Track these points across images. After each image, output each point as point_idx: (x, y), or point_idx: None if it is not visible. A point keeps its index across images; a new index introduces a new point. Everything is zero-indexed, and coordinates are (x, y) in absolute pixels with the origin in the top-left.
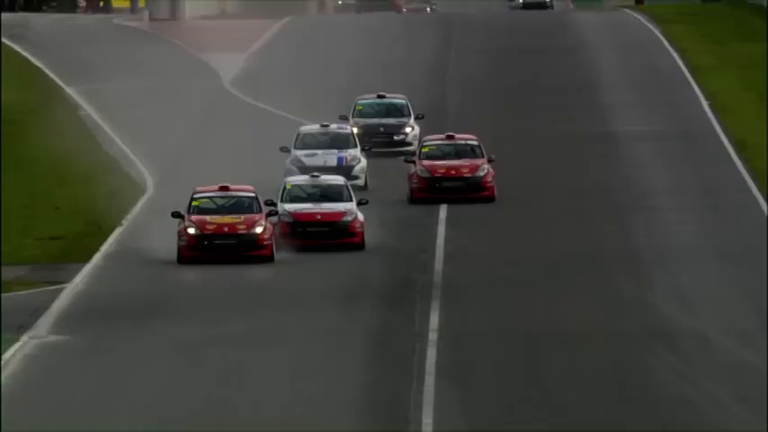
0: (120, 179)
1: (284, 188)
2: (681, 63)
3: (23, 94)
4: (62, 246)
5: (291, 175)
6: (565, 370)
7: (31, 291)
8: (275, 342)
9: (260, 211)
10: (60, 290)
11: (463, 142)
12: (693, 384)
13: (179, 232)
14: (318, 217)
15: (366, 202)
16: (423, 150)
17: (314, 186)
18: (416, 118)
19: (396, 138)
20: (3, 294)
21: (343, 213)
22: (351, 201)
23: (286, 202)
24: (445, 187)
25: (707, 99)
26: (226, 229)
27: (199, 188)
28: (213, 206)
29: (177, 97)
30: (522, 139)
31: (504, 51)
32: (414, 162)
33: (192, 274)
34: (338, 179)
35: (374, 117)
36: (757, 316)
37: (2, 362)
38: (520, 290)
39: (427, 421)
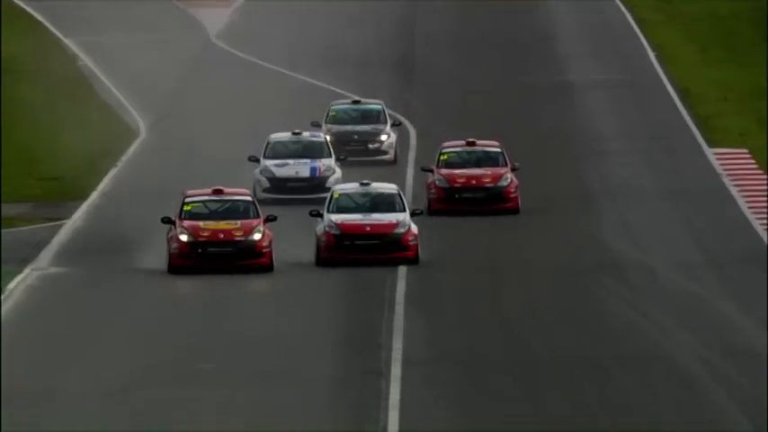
0: (115, 124)
1: (331, 197)
2: (629, 17)
3: (25, 45)
4: (61, 185)
5: (260, 185)
6: (523, 300)
7: (33, 227)
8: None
9: (257, 215)
10: (60, 226)
11: (485, 149)
12: (642, 313)
13: (169, 239)
14: (368, 228)
15: (420, 213)
16: (441, 158)
17: (363, 195)
18: (393, 125)
19: (371, 146)
20: (6, 230)
21: (395, 225)
22: (404, 211)
23: (333, 212)
24: (465, 198)
25: (653, 50)
26: (221, 236)
27: (190, 191)
28: (206, 211)
29: (167, 49)
30: (486, 89)
31: (468, 8)
32: (431, 171)
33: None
34: (391, 187)
35: (348, 124)
36: (700, 250)
37: (5, 293)
38: (483, 227)
39: (397, 347)
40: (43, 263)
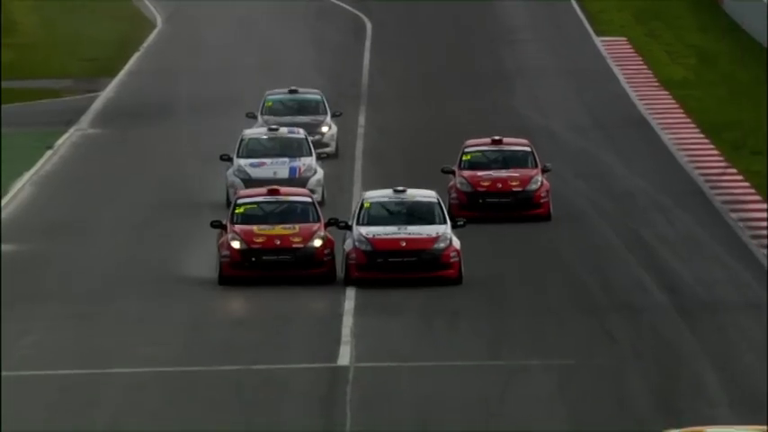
0: (138, 17)
1: (361, 206)
2: None
3: None
4: (97, 65)
5: (234, 187)
6: (451, 153)
7: (75, 97)
8: None
9: (318, 219)
10: (96, 97)
11: (513, 148)
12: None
13: (220, 245)
14: (403, 244)
15: (463, 225)
16: (464, 158)
17: (398, 204)
18: (333, 115)
19: (311, 138)
20: (54, 99)
21: (435, 239)
22: (444, 222)
23: (363, 224)
24: (490, 203)
25: None
26: (277, 243)
27: (242, 191)
28: (260, 213)
29: None
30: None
31: None
32: (453, 172)
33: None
34: (429, 194)
35: (286, 115)
36: (589, 116)
37: (55, 148)
38: (423, 98)
39: (357, 187)
40: (83, 125)
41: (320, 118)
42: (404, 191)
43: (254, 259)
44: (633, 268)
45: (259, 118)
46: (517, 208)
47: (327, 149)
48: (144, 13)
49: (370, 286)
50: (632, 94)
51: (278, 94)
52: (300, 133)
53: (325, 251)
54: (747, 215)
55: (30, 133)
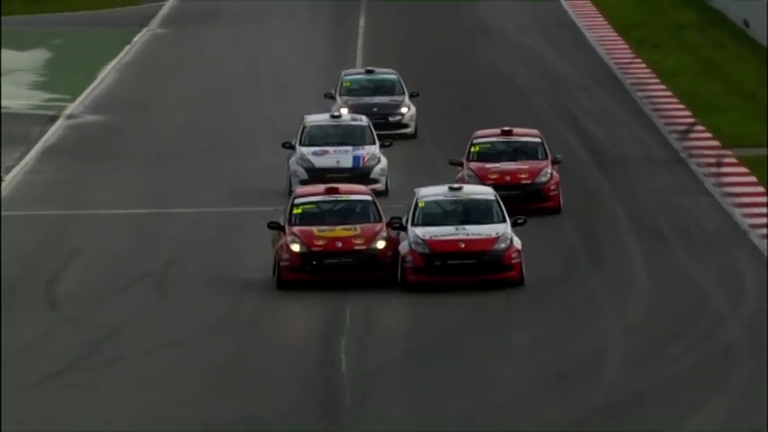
0: None
1: (415, 206)
2: None
3: None
4: None
5: (297, 177)
6: (431, 54)
7: (146, 6)
8: None
9: (379, 219)
10: (162, 5)
11: (522, 139)
12: (500, 58)
13: (279, 248)
14: (462, 245)
15: (524, 222)
16: (472, 150)
17: (454, 202)
18: (411, 96)
19: (391, 119)
20: (129, 8)
21: (495, 239)
22: (503, 221)
23: (419, 224)
24: (499, 196)
25: None
26: (339, 245)
27: (299, 190)
28: (319, 213)
29: None
30: None
31: None
32: (461, 164)
33: None
34: (486, 192)
35: (364, 95)
36: (536, 25)
37: (132, 43)
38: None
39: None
40: (153, 26)
41: (399, 98)
42: (459, 188)
43: (314, 263)
44: (564, 133)
45: (337, 98)
46: (526, 201)
47: (407, 130)
48: None
49: (428, 291)
50: (565, 5)
51: (355, 74)
52: (363, 120)
53: (389, 253)
54: (649, 93)
55: (114, 32)
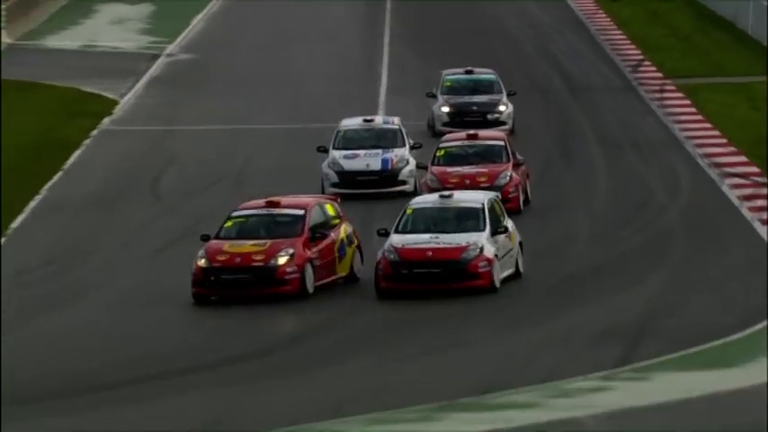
0: None
1: (404, 213)
2: None
3: None
4: None
5: (329, 180)
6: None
7: None
8: None
9: (301, 233)
10: None
11: (486, 143)
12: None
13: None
14: (429, 254)
15: (504, 231)
16: (437, 154)
17: (442, 210)
18: (509, 95)
19: (490, 117)
20: None
21: (464, 248)
22: (484, 229)
23: (402, 231)
24: None
25: None
26: (237, 260)
27: (245, 204)
28: (249, 227)
29: None
30: None
31: None
32: (426, 168)
33: None
34: (476, 199)
35: (464, 94)
36: None
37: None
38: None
39: None
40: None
41: (497, 97)
42: (450, 196)
43: (213, 278)
44: (544, 67)
45: (439, 97)
46: None
47: (506, 127)
48: None
49: (399, 298)
50: None
51: (456, 74)
52: (395, 123)
53: (289, 269)
54: (609, 37)
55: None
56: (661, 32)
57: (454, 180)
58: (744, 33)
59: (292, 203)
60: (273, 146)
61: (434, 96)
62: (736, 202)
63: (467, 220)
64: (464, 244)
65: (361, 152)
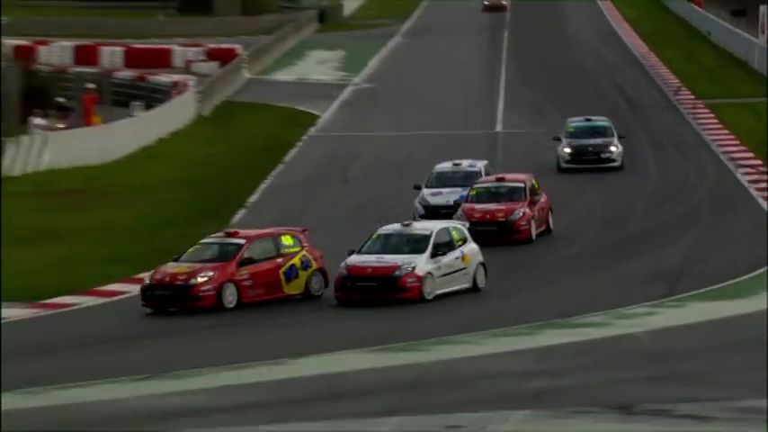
0: None
1: (370, 237)
2: None
3: None
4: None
5: (417, 212)
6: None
7: (391, 27)
8: None
9: (232, 259)
10: (402, 25)
11: (509, 184)
12: None
13: None
14: (369, 271)
15: (444, 254)
16: (471, 193)
17: (399, 236)
18: (619, 138)
19: (602, 155)
20: (386, 28)
21: (396, 267)
22: (423, 252)
23: (360, 252)
24: (480, 231)
25: None
26: (167, 279)
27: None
28: (202, 251)
29: None
30: None
31: None
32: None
33: None
34: (428, 229)
35: (583, 138)
36: None
37: (386, 46)
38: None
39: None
40: (398, 37)
41: (609, 140)
42: (409, 224)
43: (148, 293)
44: (613, 93)
45: (563, 140)
46: (500, 234)
47: (614, 164)
48: None
49: (349, 305)
50: (609, 19)
51: (578, 122)
52: (477, 166)
53: (204, 287)
54: (658, 71)
55: (377, 41)
56: (694, 67)
57: (477, 215)
58: (751, 68)
59: (242, 234)
60: (424, 146)
61: (559, 140)
62: (745, 184)
63: (417, 244)
64: (398, 263)
65: (445, 190)
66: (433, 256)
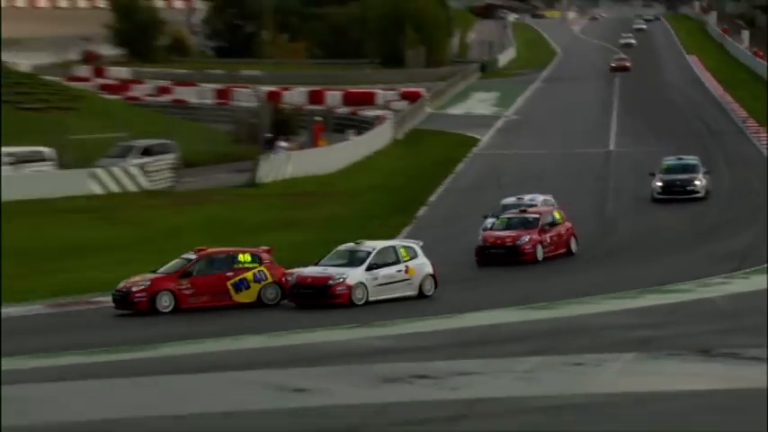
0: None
1: (330, 252)
2: None
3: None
4: (542, 64)
5: (478, 237)
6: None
7: (529, 75)
8: None
9: (177, 272)
10: (541, 73)
11: (528, 216)
12: None
13: None
14: (309, 280)
15: (377, 267)
16: (496, 222)
17: (351, 253)
18: (705, 173)
19: (688, 188)
20: (525, 76)
21: (328, 278)
22: (361, 265)
23: (320, 264)
24: (492, 253)
25: None
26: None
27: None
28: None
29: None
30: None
31: None
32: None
33: None
34: (370, 247)
35: (674, 173)
36: None
37: (528, 89)
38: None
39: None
40: (538, 82)
41: (695, 175)
42: (360, 242)
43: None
44: (697, 123)
45: (657, 175)
46: (507, 257)
47: (698, 195)
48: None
49: (299, 308)
50: (695, 69)
51: (671, 160)
52: (537, 200)
53: (138, 294)
54: (732, 107)
55: (522, 85)
56: (759, 105)
57: (491, 240)
58: None
59: (203, 253)
60: (556, 161)
61: (654, 175)
62: None
63: (359, 258)
64: (333, 274)
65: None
66: (369, 269)
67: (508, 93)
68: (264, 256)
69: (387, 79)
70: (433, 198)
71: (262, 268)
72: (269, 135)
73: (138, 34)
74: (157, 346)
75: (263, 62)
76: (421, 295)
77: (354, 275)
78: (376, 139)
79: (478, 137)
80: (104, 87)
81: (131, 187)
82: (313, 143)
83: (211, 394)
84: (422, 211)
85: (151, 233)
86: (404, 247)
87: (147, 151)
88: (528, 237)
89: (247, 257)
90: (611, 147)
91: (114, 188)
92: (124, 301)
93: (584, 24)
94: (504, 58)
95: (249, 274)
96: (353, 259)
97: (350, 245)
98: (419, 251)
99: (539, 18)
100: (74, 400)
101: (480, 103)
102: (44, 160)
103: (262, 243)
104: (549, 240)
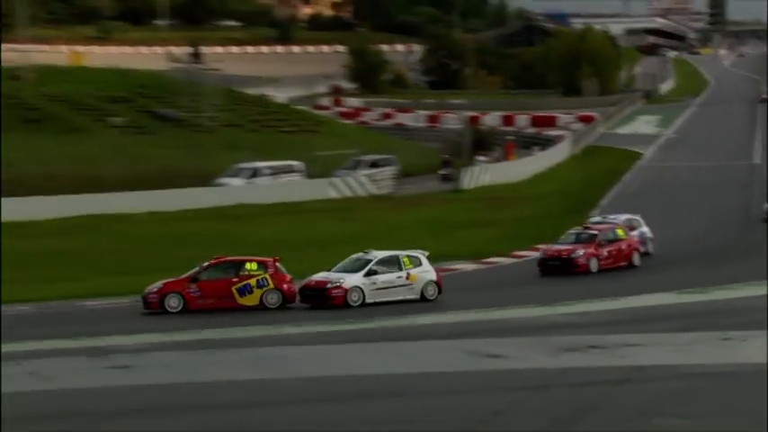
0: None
1: (347, 260)
2: None
3: None
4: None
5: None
6: None
7: (677, 104)
8: None
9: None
10: (695, 100)
11: (586, 232)
12: None
13: None
14: (312, 283)
15: (374, 273)
16: (560, 238)
17: (359, 260)
18: None
19: None
20: (681, 102)
21: (326, 281)
22: (359, 272)
23: (333, 270)
24: (550, 264)
25: None
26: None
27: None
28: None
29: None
30: None
31: None
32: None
33: None
34: (374, 256)
35: None
36: None
37: (684, 113)
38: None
39: None
40: (693, 107)
41: None
42: (368, 252)
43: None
44: None
45: (765, 204)
46: (562, 268)
47: None
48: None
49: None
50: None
51: None
52: (618, 219)
53: (151, 296)
54: None
55: (677, 110)
56: None
57: (550, 253)
58: None
59: (215, 261)
60: (707, 172)
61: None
62: None
63: (362, 265)
64: (330, 278)
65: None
66: (368, 275)
67: (668, 116)
68: (271, 264)
69: (566, 105)
70: (603, 202)
71: (266, 275)
72: (446, 156)
73: (368, 71)
74: (374, 320)
75: (467, 92)
76: (423, 299)
77: (351, 280)
78: (556, 154)
79: (642, 152)
80: (341, 114)
81: (361, 193)
82: (505, 157)
83: (421, 358)
84: (594, 212)
85: (377, 229)
86: (408, 256)
87: (374, 164)
88: (582, 251)
89: (254, 266)
90: (756, 160)
91: (348, 193)
92: (144, 301)
93: (733, 59)
94: (665, 87)
95: (253, 281)
96: (357, 266)
97: (359, 254)
98: (424, 260)
99: (694, 54)
100: (336, 359)
101: (644, 124)
102: (294, 171)
103: (462, 239)
104: (605, 254)
